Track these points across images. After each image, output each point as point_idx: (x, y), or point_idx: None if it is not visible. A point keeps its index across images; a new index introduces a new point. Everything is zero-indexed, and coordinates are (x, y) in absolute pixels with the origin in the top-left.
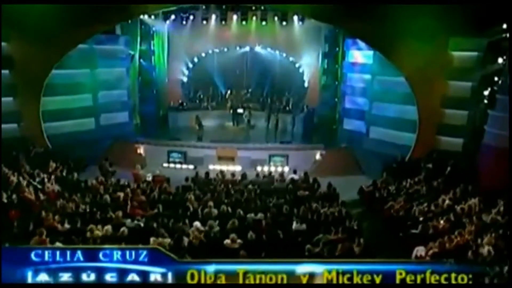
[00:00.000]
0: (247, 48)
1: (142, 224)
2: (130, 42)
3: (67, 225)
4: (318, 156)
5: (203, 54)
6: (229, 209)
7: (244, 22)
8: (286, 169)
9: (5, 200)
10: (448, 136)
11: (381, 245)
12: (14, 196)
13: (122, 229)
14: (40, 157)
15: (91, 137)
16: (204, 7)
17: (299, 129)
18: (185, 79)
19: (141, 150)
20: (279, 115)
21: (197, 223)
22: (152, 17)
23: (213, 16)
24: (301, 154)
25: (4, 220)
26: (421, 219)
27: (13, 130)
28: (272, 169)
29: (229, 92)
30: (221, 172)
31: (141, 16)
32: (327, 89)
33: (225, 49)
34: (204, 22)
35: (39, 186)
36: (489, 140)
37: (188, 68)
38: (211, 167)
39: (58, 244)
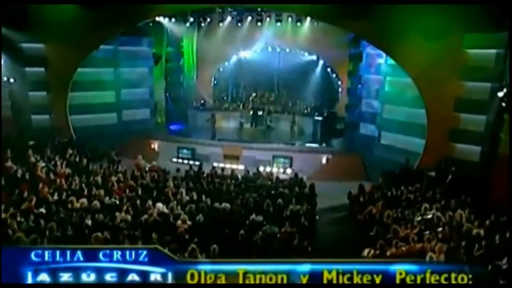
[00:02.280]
0: (275, 51)
1: (117, 202)
2: (156, 44)
3: (56, 197)
4: (324, 160)
5: (232, 56)
6: (198, 197)
7: (279, 24)
8: (289, 170)
9: (19, 175)
10: (463, 143)
11: (335, 245)
12: (27, 173)
13: (94, 202)
14: (63, 146)
15: (113, 131)
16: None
17: (317, 133)
18: (213, 81)
19: (155, 145)
20: (296, 118)
21: (159, 204)
22: (173, 19)
23: (249, 18)
24: (306, 156)
25: (15, 191)
26: (389, 223)
27: (45, 120)
28: (275, 169)
29: (253, 94)
30: (213, 167)
31: (167, 19)
32: (351, 92)
33: (254, 52)
34: (239, 24)
35: (52, 168)
36: (504, 149)
37: (216, 70)
38: (215, 164)
39: (41, 210)
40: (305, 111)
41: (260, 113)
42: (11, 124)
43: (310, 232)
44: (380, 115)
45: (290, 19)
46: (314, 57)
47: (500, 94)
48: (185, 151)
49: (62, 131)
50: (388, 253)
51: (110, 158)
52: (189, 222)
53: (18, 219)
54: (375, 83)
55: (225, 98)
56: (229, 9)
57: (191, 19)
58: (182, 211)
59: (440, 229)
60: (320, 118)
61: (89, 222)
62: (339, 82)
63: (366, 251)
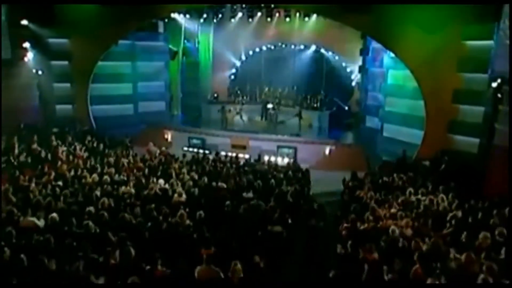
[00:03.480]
0: (289, 46)
1: (125, 179)
2: (172, 39)
3: (72, 173)
4: (327, 151)
5: (246, 52)
6: (198, 177)
7: (287, 19)
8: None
9: (43, 156)
10: (461, 135)
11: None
12: (50, 155)
13: (104, 177)
14: (83, 133)
15: (129, 121)
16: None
17: (325, 126)
18: (228, 75)
19: (168, 135)
20: (305, 112)
21: (161, 181)
22: (188, 15)
23: (258, 14)
24: (310, 147)
25: (41, 170)
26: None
27: (68, 110)
28: (279, 159)
29: (266, 89)
30: (217, 153)
31: (182, 16)
32: (361, 87)
33: (267, 47)
34: (250, 20)
35: (72, 152)
36: (499, 140)
37: (231, 65)
38: (223, 153)
39: (58, 183)
40: (315, 105)
41: (270, 106)
42: (38, 113)
43: (294, 208)
44: (382, 108)
45: (298, 14)
46: (327, 53)
47: (494, 84)
48: (195, 141)
49: (83, 120)
50: (359, 227)
51: (124, 144)
52: (184, 196)
53: (39, 188)
54: (379, 77)
55: (238, 92)
56: (241, 6)
57: (205, 15)
58: (181, 188)
59: (416, 210)
60: (328, 112)
61: (98, 193)
62: (352, 77)
63: (341, 226)
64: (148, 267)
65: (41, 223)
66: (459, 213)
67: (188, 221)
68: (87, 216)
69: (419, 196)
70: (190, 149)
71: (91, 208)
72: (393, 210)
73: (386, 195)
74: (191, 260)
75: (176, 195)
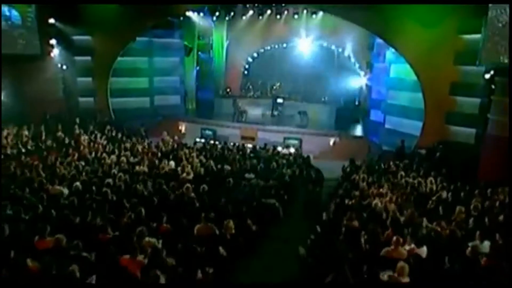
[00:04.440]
0: (299, 43)
1: (139, 161)
2: (187, 36)
3: (92, 155)
4: (331, 142)
5: (258, 49)
6: (206, 160)
7: (296, 16)
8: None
9: (66, 142)
10: (458, 126)
11: (310, 199)
12: (73, 141)
13: (121, 158)
14: (103, 124)
15: (146, 113)
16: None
17: (331, 120)
18: (241, 71)
19: (182, 126)
20: (313, 106)
21: (172, 162)
22: (201, 13)
23: (268, 11)
24: (315, 139)
25: (65, 153)
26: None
27: (90, 102)
28: (285, 149)
29: (277, 84)
30: (225, 143)
31: (195, 13)
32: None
33: (279, 44)
34: (260, 17)
35: (93, 139)
36: (491, 129)
37: (244, 61)
38: (231, 143)
39: (81, 162)
40: (323, 100)
41: (280, 101)
42: (63, 104)
43: (290, 187)
44: (385, 101)
45: (305, 12)
46: (338, 49)
47: (487, 76)
48: (207, 132)
49: (103, 112)
50: (347, 203)
51: (139, 133)
52: (192, 175)
53: (64, 165)
54: (382, 71)
55: (250, 87)
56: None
57: (218, 13)
58: (190, 168)
59: (404, 190)
60: (335, 107)
61: (115, 171)
62: (362, 73)
63: (332, 203)
64: (154, 224)
65: (66, 191)
66: (444, 194)
67: (192, 194)
68: (106, 186)
69: (409, 179)
70: (202, 140)
71: (110, 180)
72: (382, 190)
73: (378, 178)
74: (191, 220)
75: (184, 174)
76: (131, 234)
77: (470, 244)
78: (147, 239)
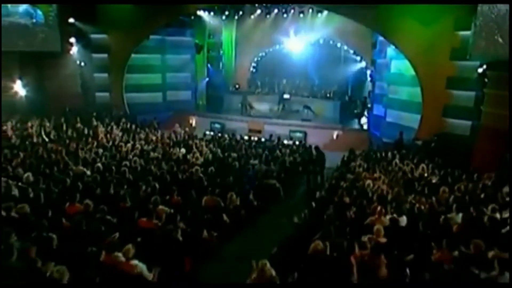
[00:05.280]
0: (307, 41)
1: (152, 148)
2: (198, 35)
3: (110, 143)
4: (335, 135)
5: (266, 47)
6: (215, 149)
7: (301, 15)
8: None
9: (85, 132)
10: (454, 118)
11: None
12: (91, 132)
13: (136, 146)
14: (118, 117)
15: (158, 108)
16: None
17: (336, 115)
18: (250, 69)
19: (192, 120)
20: (318, 101)
21: (183, 149)
22: (212, 13)
23: (275, 10)
24: (319, 132)
25: (85, 141)
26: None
27: (106, 97)
28: (290, 141)
29: (284, 81)
30: (233, 134)
31: (206, 13)
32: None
33: (286, 42)
34: (267, 16)
35: (108, 130)
36: (483, 120)
37: (252, 59)
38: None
39: (99, 149)
40: (328, 95)
41: (286, 96)
42: (80, 99)
43: (289, 170)
44: (386, 95)
45: (311, 11)
46: (343, 46)
47: (480, 70)
48: (216, 125)
49: (118, 106)
50: (342, 185)
51: (153, 125)
52: (201, 160)
53: (85, 151)
54: (384, 67)
55: (258, 84)
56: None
57: (227, 12)
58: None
59: (396, 174)
60: (339, 102)
61: (131, 156)
62: (366, 70)
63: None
64: (167, 197)
65: (88, 172)
66: (434, 179)
67: (201, 174)
68: (124, 167)
69: (402, 166)
70: (211, 133)
71: (127, 162)
72: (375, 175)
73: (373, 165)
74: (199, 194)
75: (194, 159)
76: (147, 203)
77: (447, 216)
78: (160, 207)
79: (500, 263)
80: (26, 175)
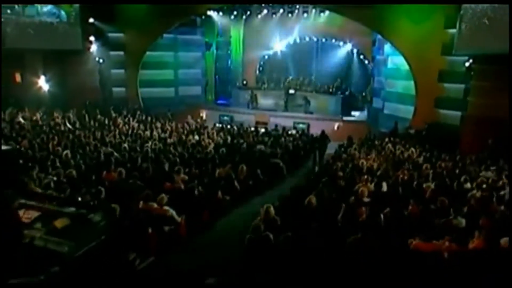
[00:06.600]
0: (312, 40)
1: (169, 135)
2: (207, 33)
3: (130, 131)
4: (336, 127)
5: (273, 45)
6: (226, 136)
7: (305, 15)
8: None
9: (106, 123)
10: (445, 109)
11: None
12: (111, 123)
13: (154, 133)
14: (134, 111)
15: (171, 102)
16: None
17: (337, 109)
18: (257, 66)
19: (203, 113)
20: (321, 96)
21: (196, 137)
22: (221, 13)
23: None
24: (321, 123)
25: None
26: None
27: (122, 92)
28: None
29: (290, 77)
30: (241, 124)
31: (215, 13)
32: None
33: (292, 41)
34: (273, 15)
35: (126, 121)
36: (470, 110)
37: (260, 56)
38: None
39: (122, 136)
40: (330, 90)
41: (291, 91)
42: (99, 93)
43: (292, 153)
44: (384, 89)
45: (314, 10)
46: (346, 45)
47: (467, 64)
48: (225, 118)
49: (133, 100)
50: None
51: (167, 117)
52: (213, 144)
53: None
54: (382, 63)
55: (264, 80)
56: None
57: (235, 12)
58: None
59: (387, 156)
60: (341, 97)
61: (150, 142)
62: (369, 66)
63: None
64: (187, 169)
65: (116, 154)
66: (421, 160)
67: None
68: (146, 148)
69: (394, 149)
70: (221, 125)
71: (148, 145)
72: (369, 157)
73: (368, 149)
74: (213, 168)
75: (207, 143)
76: (171, 173)
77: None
78: (181, 175)
79: (455, 211)
80: (65, 152)
